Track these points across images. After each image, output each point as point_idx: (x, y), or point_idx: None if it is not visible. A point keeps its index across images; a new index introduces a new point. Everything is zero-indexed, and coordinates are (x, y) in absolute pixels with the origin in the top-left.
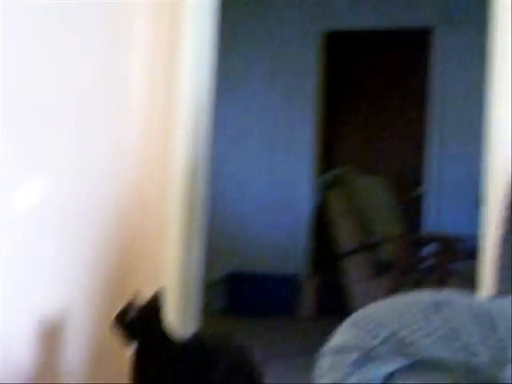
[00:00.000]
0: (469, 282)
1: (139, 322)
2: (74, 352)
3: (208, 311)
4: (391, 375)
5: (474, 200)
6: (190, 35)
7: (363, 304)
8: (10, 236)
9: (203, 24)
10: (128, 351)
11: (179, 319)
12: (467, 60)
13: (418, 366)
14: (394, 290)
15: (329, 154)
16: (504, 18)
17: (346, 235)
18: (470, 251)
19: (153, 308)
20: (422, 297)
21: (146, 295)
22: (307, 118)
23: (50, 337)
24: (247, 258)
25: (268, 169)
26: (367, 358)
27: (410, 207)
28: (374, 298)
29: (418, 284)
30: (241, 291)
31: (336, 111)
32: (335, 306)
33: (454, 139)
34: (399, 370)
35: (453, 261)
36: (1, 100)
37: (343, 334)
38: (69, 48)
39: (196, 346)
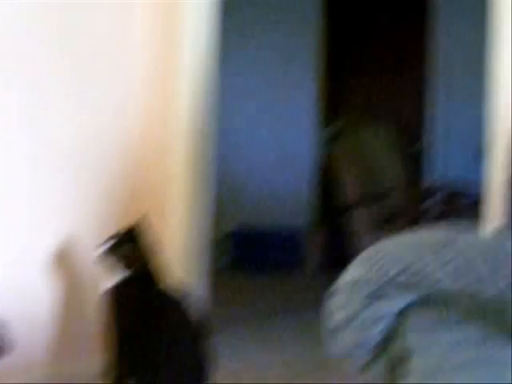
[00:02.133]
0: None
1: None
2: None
3: (214, 267)
4: (403, 310)
5: (477, 148)
6: None
7: None
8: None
9: None
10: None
11: (186, 275)
12: (470, 10)
13: (430, 300)
14: None
15: (333, 106)
16: None
17: (351, 187)
18: (474, 199)
19: (131, 235)
20: (434, 232)
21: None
22: (310, 71)
23: (63, 262)
24: (253, 213)
25: (272, 122)
26: (379, 293)
27: (415, 157)
28: None
29: None
30: (247, 246)
31: (339, 63)
32: (341, 259)
33: (458, 89)
34: (411, 305)
35: (458, 209)
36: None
37: (355, 270)
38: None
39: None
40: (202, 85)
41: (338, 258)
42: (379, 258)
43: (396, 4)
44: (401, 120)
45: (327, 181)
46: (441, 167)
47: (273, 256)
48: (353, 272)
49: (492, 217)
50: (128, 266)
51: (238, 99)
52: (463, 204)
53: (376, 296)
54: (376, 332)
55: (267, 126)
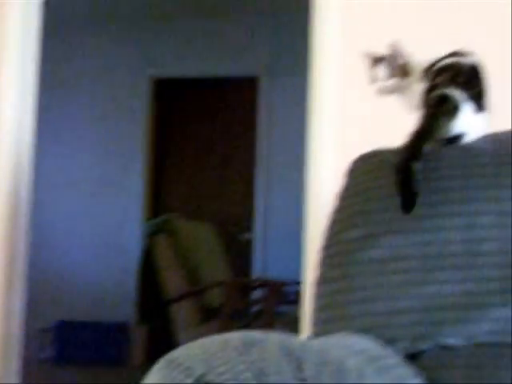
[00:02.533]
0: (294, 325)
1: None
2: None
3: (37, 360)
4: None
5: (299, 246)
6: (11, 79)
7: None
8: None
9: (25, 67)
10: None
11: (5, 369)
12: (291, 110)
13: None
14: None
15: (158, 200)
16: (320, 71)
17: (173, 281)
18: (294, 296)
19: None
20: (234, 337)
21: None
22: (136, 163)
23: None
24: (76, 306)
25: (97, 215)
26: None
27: (240, 253)
28: None
29: (245, 329)
30: (70, 340)
31: (165, 156)
32: (164, 354)
33: (280, 187)
34: None
35: (279, 305)
36: None
37: (153, 376)
38: None
39: None
40: (18, 177)
41: (162, 353)
42: (176, 365)
43: (223, 104)
44: (226, 216)
45: (150, 274)
46: (264, 263)
47: (96, 350)
48: (151, 378)
49: (307, 316)
50: None
51: (61, 189)
52: (284, 300)
53: None
54: None
55: (91, 219)
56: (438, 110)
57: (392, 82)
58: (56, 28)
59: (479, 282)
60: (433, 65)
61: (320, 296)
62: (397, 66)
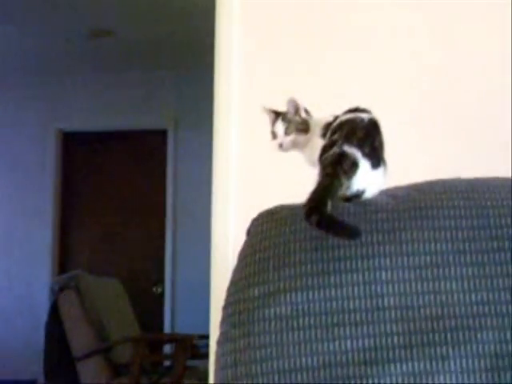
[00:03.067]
0: (205, 379)
1: None
2: None
3: None
4: None
5: (207, 300)
6: None
7: None
8: None
9: None
10: None
11: None
12: (198, 162)
13: None
14: None
15: (67, 256)
16: (222, 126)
17: (80, 338)
18: (205, 349)
19: None
20: None
21: None
22: (45, 218)
23: None
24: None
25: (4, 270)
26: None
27: (151, 306)
28: None
29: None
30: None
31: (74, 211)
32: None
33: (189, 239)
34: None
35: (189, 360)
36: None
37: None
38: None
39: None
40: None
41: None
42: None
43: (132, 157)
44: (136, 270)
45: (59, 331)
46: (175, 317)
47: None
48: None
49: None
50: None
51: None
52: (194, 354)
53: None
54: None
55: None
56: (336, 167)
57: (291, 138)
58: None
59: (380, 337)
60: (331, 121)
61: (223, 355)
62: (296, 122)
